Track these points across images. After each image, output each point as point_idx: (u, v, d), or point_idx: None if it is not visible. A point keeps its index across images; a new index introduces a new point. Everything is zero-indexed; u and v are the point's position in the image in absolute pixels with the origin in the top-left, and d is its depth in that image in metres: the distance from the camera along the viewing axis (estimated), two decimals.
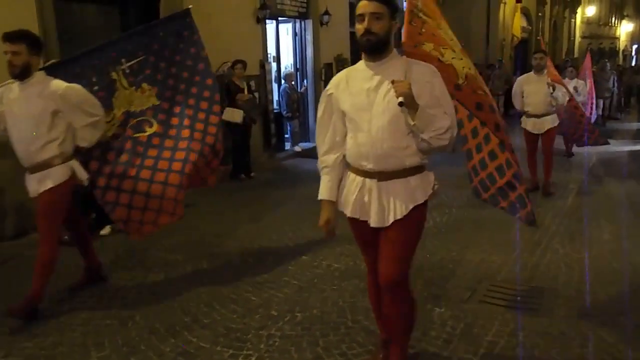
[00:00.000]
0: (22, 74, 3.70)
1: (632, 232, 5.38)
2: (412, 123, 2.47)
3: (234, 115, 8.02)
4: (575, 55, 28.39)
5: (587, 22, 33.04)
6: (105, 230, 5.69)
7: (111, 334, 3.59)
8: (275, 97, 10.56)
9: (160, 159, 4.18)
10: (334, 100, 2.71)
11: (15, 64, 3.65)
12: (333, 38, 11.64)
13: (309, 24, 11.16)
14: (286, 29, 11.20)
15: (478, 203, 6.60)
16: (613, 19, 38.74)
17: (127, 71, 4.22)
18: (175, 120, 4.31)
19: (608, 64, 15.24)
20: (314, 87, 11.29)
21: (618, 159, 9.62)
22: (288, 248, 5.22)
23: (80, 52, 4.27)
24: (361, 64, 2.67)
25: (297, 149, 10.60)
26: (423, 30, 3.04)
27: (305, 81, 11.31)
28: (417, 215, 2.67)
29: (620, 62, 35.39)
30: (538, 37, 22.81)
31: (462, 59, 3.18)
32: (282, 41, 10.99)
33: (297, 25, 11.19)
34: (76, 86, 3.84)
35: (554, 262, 4.63)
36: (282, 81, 10.59)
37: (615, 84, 14.98)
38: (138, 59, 4.24)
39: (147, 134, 4.22)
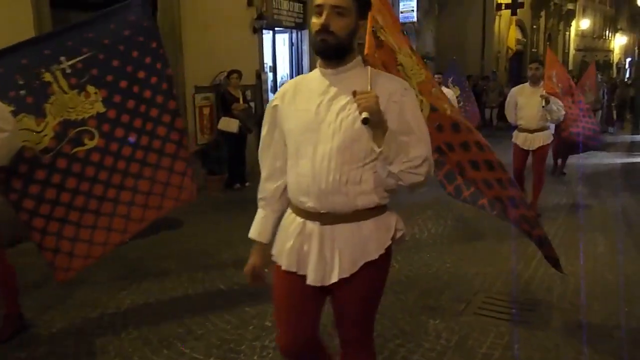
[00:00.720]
0: None
1: (626, 244, 5.40)
2: (377, 150, 1.87)
3: (230, 124, 8.04)
4: (570, 67, 28.58)
5: (582, 35, 33.34)
6: None
7: (104, 344, 3.56)
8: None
9: (96, 182, 3.60)
10: (278, 115, 2.13)
11: None
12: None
13: (306, 34, 11.21)
14: (283, 39, 11.24)
15: (473, 214, 6.63)
16: (607, 32, 39.11)
17: (68, 71, 3.51)
18: (119, 133, 3.65)
19: (599, 75, 15.16)
20: None
21: (612, 172, 9.67)
22: None
23: (4, 54, 3.52)
24: (315, 72, 2.09)
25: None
26: (376, 55, 2.54)
27: None
28: (371, 273, 2.05)
29: (614, 74, 35.67)
30: (533, 49, 22.98)
31: (422, 100, 2.77)
32: (278, 51, 11.04)
33: (294, 35, 11.24)
34: None
35: (549, 275, 4.62)
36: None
37: (606, 96, 14.82)
38: (83, 57, 3.53)
39: (85, 147, 3.54)
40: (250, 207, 5.31)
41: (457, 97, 9.91)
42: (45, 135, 3.48)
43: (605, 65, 37.01)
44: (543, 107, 6.05)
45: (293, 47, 11.32)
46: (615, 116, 16.55)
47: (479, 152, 3.06)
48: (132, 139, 3.71)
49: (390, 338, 3.55)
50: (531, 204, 6.31)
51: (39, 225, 3.49)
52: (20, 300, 3.76)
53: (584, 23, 32.63)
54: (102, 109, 3.59)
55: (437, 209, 6.87)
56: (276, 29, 10.69)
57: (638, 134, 15.61)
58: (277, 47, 10.98)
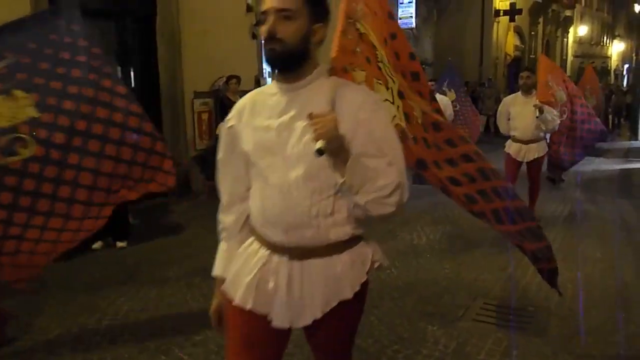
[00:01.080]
0: None
1: (624, 251, 5.40)
2: (339, 180, 1.66)
3: None
4: (568, 74, 28.69)
5: (579, 41, 33.46)
6: (97, 244, 5.66)
7: (101, 351, 3.54)
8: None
9: (40, 197, 3.21)
10: (235, 136, 1.87)
11: None
12: (327, 53, 11.69)
13: None
14: None
15: (471, 220, 6.63)
16: (605, 38, 39.25)
17: None
18: (60, 138, 3.24)
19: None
20: None
21: (610, 178, 9.68)
22: None
23: None
24: (272, 86, 1.85)
25: None
26: (358, 49, 2.22)
27: None
28: (346, 311, 1.84)
29: (612, 81, 35.80)
30: (531, 55, 23.06)
31: (392, 103, 2.40)
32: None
33: None
34: None
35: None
36: None
37: (603, 104, 14.06)
38: (5, 63, 3.23)
39: (20, 157, 3.13)
40: None
41: (452, 102, 9.16)
42: None
43: (603, 72, 37.14)
44: (537, 117, 5.85)
45: None
46: (611, 124, 15.93)
47: (469, 163, 2.75)
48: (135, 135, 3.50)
49: (388, 344, 3.54)
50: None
51: None
52: (16, 305, 3.76)
53: (581, 30, 32.76)
54: (35, 114, 3.20)
55: (435, 214, 6.87)
56: None
57: (635, 140, 15.66)
58: None
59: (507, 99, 6.50)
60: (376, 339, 3.61)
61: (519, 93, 6.29)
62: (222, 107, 8.13)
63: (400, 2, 15.80)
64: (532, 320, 3.91)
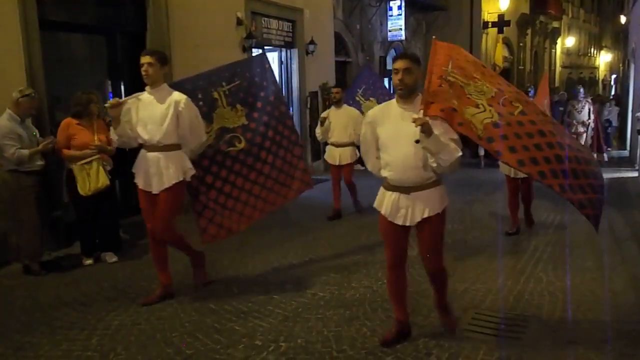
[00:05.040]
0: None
1: (613, 259, 5.44)
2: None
3: None
4: (557, 84, 28.95)
5: (567, 52, 33.81)
6: (88, 261, 5.64)
7: None
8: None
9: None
10: None
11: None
12: (319, 67, 11.79)
13: (295, 53, 11.30)
14: (272, 58, 11.31)
15: (462, 231, 6.67)
16: (592, 49, 39.69)
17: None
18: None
19: (582, 90, 12.58)
20: (300, 115, 11.39)
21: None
22: (273, 276, 5.20)
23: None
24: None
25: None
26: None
27: (290, 109, 11.41)
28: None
29: (600, 91, 36.11)
30: (520, 67, 23.27)
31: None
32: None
33: (283, 54, 11.32)
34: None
35: (538, 291, 4.65)
36: None
37: (592, 116, 12.07)
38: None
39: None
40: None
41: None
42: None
43: (591, 82, 37.50)
44: None
45: (282, 66, 11.40)
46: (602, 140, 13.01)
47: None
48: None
49: (381, 355, 3.55)
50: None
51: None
52: (6, 323, 3.73)
53: (569, 41, 33.11)
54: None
55: None
56: (265, 47, 10.75)
57: (624, 150, 15.79)
58: None
59: None
60: (369, 351, 3.62)
61: None
62: None
63: (390, 15, 15.91)
64: (524, 330, 3.92)
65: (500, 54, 21.90)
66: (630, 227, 6.81)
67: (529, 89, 16.09)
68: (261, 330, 3.99)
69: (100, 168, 5.37)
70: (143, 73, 4.30)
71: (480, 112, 3.44)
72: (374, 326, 3.99)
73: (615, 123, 15.87)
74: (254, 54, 10.00)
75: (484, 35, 20.54)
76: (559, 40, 31.31)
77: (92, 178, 5.27)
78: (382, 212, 3.53)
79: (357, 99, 8.74)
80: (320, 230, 6.89)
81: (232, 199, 4.83)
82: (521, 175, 6.16)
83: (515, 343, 3.71)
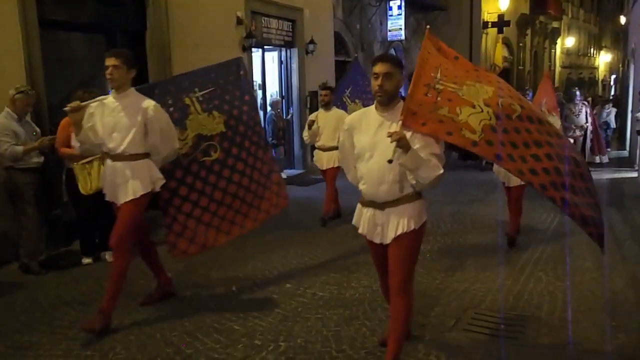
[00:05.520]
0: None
1: (613, 259, 5.44)
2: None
3: None
4: (556, 84, 28.96)
5: (567, 52, 33.83)
6: (88, 260, 5.64)
7: None
8: (262, 124, 10.60)
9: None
10: None
11: None
12: (318, 66, 11.78)
13: (295, 52, 11.30)
14: (272, 57, 11.32)
15: (462, 231, 6.68)
16: (592, 49, 39.72)
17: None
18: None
19: (578, 92, 12.45)
20: (299, 115, 11.39)
21: (598, 187, 9.74)
22: (272, 276, 5.20)
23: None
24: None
25: (282, 175, 10.63)
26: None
27: (291, 109, 11.41)
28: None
29: (600, 92, 36.12)
30: (520, 67, 23.28)
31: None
32: (267, 69, 11.10)
33: (283, 53, 11.32)
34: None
35: (537, 290, 4.66)
36: (269, 108, 10.66)
37: (589, 118, 11.97)
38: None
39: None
40: None
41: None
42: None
43: (590, 82, 37.53)
44: None
45: (282, 65, 11.40)
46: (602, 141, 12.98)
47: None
48: None
49: (380, 355, 3.54)
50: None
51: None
52: (6, 322, 3.73)
53: (569, 41, 33.12)
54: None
55: (426, 225, 6.89)
56: (265, 47, 10.77)
57: (623, 150, 15.80)
58: (267, 65, 11.05)
59: None
60: (369, 351, 3.62)
61: None
62: None
63: (390, 14, 15.92)
64: (523, 330, 3.92)
65: (500, 54, 21.91)
66: (630, 227, 6.82)
67: (527, 92, 16.05)
68: (261, 330, 3.99)
69: (102, 167, 5.36)
70: (107, 76, 4.00)
71: (477, 113, 3.14)
72: (374, 326, 3.99)
73: (613, 125, 15.84)
74: (253, 54, 10.04)
75: (484, 36, 20.55)
76: (558, 41, 31.33)
77: (94, 177, 5.26)
78: (360, 230, 3.29)
79: (344, 99, 8.41)
80: (320, 230, 6.89)
81: (209, 212, 4.55)
82: (514, 183, 5.82)
83: (515, 343, 3.71)
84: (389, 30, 16.05)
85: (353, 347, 3.67)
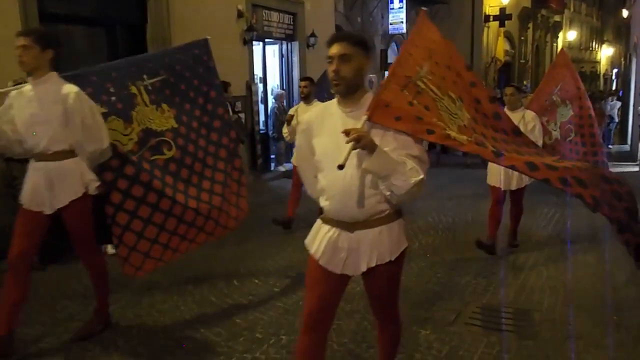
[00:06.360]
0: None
1: (614, 254, 5.42)
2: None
3: None
4: None
5: (569, 46, 33.68)
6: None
7: (93, 358, 3.53)
8: (262, 117, 10.60)
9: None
10: None
11: None
12: (319, 60, 11.72)
13: (296, 45, 11.27)
14: (273, 51, 11.29)
15: (463, 226, 6.67)
16: (593, 43, 39.58)
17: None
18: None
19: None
20: None
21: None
22: (273, 270, 5.19)
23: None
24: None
25: (282, 169, 10.63)
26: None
27: (293, 102, 11.38)
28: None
29: (601, 86, 36.03)
30: (521, 60, 23.20)
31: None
32: (268, 62, 11.08)
33: (284, 46, 11.30)
34: None
35: (539, 285, 4.66)
36: (272, 101, 10.65)
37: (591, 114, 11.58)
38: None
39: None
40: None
41: None
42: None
43: (592, 77, 37.42)
44: None
45: (283, 59, 11.38)
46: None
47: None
48: None
49: None
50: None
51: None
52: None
53: (570, 35, 33.02)
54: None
55: (427, 220, 6.90)
56: (266, 40, 10.74)
57: (625, 144, 15.78)
58: (267, 59, 11.02)
59: None
60: (370, 344, 3.62)
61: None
62: None
63: (391, 7, 15.86)
64: (524, 324, 3.92)
65: (501, 48, 21.82)
66: None
67: (526, 86, 15.96)
68: (262, 323, 3.99)
69: None
70: (18, 59, 3.40)
71: (454, 133, 2.51)
72: (375, 319, 3.98)
73: (616, 119, 15.81)
74: (254, 47, 10.01)
75: (485, 29, 20.47)
76: (560, 34, 31.23)
77: None
78: (312, 252, 2.55)
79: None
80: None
81: (173, 217, 3.87)
82: (514, 187, 5.37)
83: (516, 337, 3.71)
84: (390, 24, 15.99)
85: (354, 341, 3.67)
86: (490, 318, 4.02)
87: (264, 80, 10.93)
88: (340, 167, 2.22)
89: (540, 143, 5.13)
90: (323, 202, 2.52)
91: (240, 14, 9.37)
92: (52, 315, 4.18)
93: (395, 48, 16.80)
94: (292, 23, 11.13)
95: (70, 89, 3.45)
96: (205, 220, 4.04)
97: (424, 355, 3.47)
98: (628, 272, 4.95)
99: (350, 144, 2.21)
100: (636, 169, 11.19)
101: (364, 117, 2.35)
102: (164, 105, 4.01)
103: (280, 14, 10.78)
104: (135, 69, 4.02)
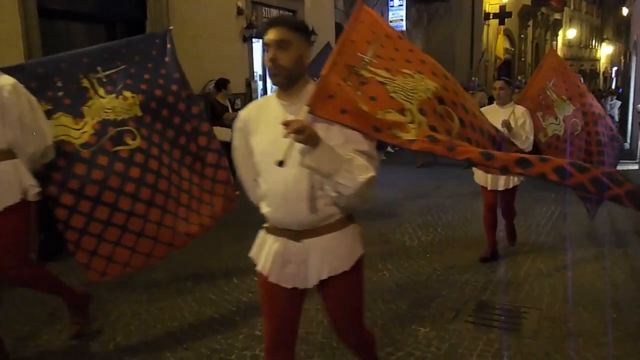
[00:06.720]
0: None
1: (613, 251, 5.44)
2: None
3: (222, 133, 7.99)
4: None
5: (568, 44, 33.72)
6: None
7: (92, 355, 3.53)
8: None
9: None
10: None
11: None
12: None
13: None
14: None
15: (462, 223, 6.67)
16: (593, 41, 39.61)
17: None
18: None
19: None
20: None
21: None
22: None
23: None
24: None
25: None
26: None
27: None
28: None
29: (601, 84, 36.03)
30: (522, 58, 23.19)
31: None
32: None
33: None
34: None
35: (538, 282, 4.65)
36: None
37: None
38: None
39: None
40: (238, 217, 5.31)
41: None
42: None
43: (592, 75, 37.43)
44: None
45: None
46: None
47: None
48: None
49: (380, 346, 3.53)
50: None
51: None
52: (6, 312, 3.72)
53: (570, 33, 33.03)
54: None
55: (427, 217, 6.90)
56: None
57: (624, 142, 15.77)
58: None
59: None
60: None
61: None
62: (212, 110, 8.12)
63: (391, 5, 15.87)
64: (524, 322, 3.92)
65: (501, 45, 21.84)
66: (631, 220, 6.81)
67: (520, 80, 15.98)
68: (261, 321, 3.97)
69: None
70: None
71: (407, 123, 2.29)
72: (374, 317, 3.99)
73: (617, 118, 15.86)
74: (253, 45, 10.00)
75: (485, 27, 20.48)
76: (560, 32, 31.26)
77: None
78: (259, 268, 2.35)
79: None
80: None
81: (136, 216, 3.46)
82: (501, 187, 5.08)
83: (515, 334, 3.71)
84: (390, 21, 15.99)
85: None
86: (489, 315, 4.02)
87: (263, 77, 10.92)
88: (280, 163, 1.95)
89: (531, 139, 4.98)
90: (265, 209, 2.29)
91: (239, 11, 9.36)
92: (51, 312, 4.18)
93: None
94: None
95: (6, 80, 3.15)
96: (175, 219, 3.62)
97: (423, 353, 3.47)
98: (627, 270, 4.95)
99: (290, 137, 1.95)
100: (636, 167, 11.19)
101: (306, 109, 2.08)
102: (126, 93, 3.65)
103: (280, 11, 10.77)
104: (88, 60, 3.69)
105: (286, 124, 1.96)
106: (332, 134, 2.09)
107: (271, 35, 2.12)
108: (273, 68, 2.13)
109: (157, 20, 7.60)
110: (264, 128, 2.22)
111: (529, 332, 3.76)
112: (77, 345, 3.65)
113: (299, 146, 1.98)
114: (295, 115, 2.09)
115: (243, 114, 2.34)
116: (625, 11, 26.23)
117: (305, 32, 2.19)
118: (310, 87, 2.19)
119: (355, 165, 2.06)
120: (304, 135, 1.95)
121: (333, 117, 2.13)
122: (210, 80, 8.42)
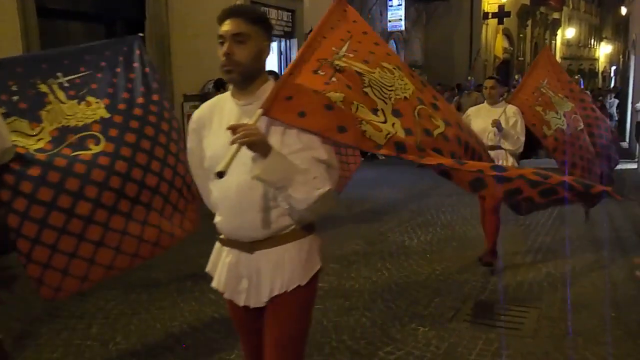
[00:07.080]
0: None
1: (613, 251, 5.44)
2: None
3: None
4: None
5: (567, 43, 33.75)
6: None
7: (92, 355, 3.52)
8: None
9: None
10: None
11: None
12: None
13: (294, 43, 11.26)
14: (271, 48, 11.26)
15: (461, 222, 6.67)
16: (592, 41, 39.62)
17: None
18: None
19: (582, 80, 11.97)
20: None
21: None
22: None
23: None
24: None
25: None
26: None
27: None
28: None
29: (600, 83, 36.06)
30: (520, 58, 23.20)
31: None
32: (267, 60, 11.05)
33: (283, 44, 11.29)
34: None
35: (537, 281, 4.66)
36: None
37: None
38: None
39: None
40: None
41: None
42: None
43: (591, 74, 37.45)
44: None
45: (282, 56, 11.37)
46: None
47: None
48: None
49: (380, 346, 3.55)
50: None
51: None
52: (6, 312, 3.73)
53: (569, 32, 33.04)
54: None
55: (426, 217, 6.91)
56: None
57: (623, 141, 15.78)
58: None
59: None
60: (368, 341, 3.62)
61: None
62: None
63: (390, 5, 15.86)
64: (523, 321, 3.92)
65: (500, 45, 21.86)
66: (630, 219, 6.82)
67: (517, 80, 15.98)
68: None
69: None
70: None
71: (379, 123, 2.11)
72: (374, 316, 3.99)
73: (616, 117, 15.88)
74: None
75: (484, 26, 20.49)
76: (559, 32, 31.27)
77: None
78: (214, 284, 2.18)
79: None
80: (319, 221, 6.87)
81: (96, 224, 3.02)
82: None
83: (515, 334, 3.72)
84: (389, 21, 16.01)
85: (353, 338, 3.67)
86: (488, 315, 4.02)
87: None
88: (220, 174, 1.73)
89: (522, 139, 4.87)
90: (216, 219, 2.08)
91: None
92: (50, 312, 4.17)
93: (394, 46, 16.79)
94: (290, 20, 11.12)
95: None
96: (142, 227, 3.22)
97: (423, 352, 3.47)
98: (626, 269, 4.96)
99: (236, 143, 1.75)
100: (634, 166, 11.20)
101: (259, 111, 1.87)
102: (90, 98, 3.40)
103: (279, 11, 10.77)
104: (47, 66, 3.48)
105: (233, 127, 1.78)
106: (289, 140, 1.90)
107: (227, 27, 1.95)
108: (227, 64, 1.93)
109: (156, 20, 7.60)
110: (217, 130, 2.02)
111: (529, 331, 3.76)
112: (76, 345, 3.65)
113: (248, 153, 1.80)
114: (251, 116, 1.89)
115: (196, 114, 2.15)
116: (624, 10, 26.25)
117: (265, 25, 2.03)
118: (268, 86, 2.00)
119: (310, 177, 1.86)
120: (251, 141, 1.76)
121: (289, 121, 1.92)
122: (210, 80, 8.42)
